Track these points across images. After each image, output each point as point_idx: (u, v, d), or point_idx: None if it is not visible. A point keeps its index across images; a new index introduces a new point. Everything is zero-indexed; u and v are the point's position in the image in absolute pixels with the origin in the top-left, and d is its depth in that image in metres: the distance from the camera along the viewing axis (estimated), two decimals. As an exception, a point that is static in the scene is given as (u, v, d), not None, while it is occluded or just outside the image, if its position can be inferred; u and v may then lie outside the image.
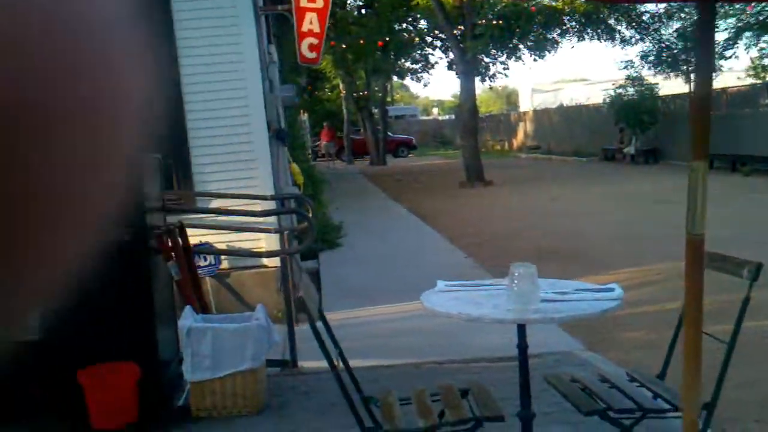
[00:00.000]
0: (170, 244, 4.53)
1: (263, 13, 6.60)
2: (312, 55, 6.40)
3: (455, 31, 20.59)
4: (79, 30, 0.28)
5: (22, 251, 0.28)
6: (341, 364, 3.11)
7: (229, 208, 5.78)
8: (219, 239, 6.39)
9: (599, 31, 24.25)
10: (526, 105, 48.51)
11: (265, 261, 6.62)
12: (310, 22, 6.26)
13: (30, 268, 0.28)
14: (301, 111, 20.69)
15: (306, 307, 2.91)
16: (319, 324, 3.15)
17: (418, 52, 30.00)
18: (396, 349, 5.77)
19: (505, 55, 24.90)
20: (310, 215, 5.68)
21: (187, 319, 4.28)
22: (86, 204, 0.29)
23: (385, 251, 10.60)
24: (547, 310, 3.17)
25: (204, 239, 6.07)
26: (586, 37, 24.05)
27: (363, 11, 24.93)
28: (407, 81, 50.21)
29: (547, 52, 24.10)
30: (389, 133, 36.09)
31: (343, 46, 22.98)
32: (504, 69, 25.92)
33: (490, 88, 36.14)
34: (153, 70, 0.31)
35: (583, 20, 23.00)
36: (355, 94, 32.83)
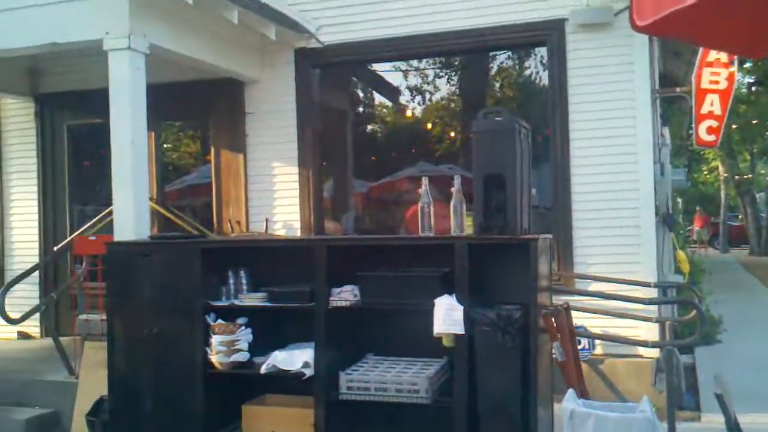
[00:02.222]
0: (555, 324, 4.55)
1: (659, 95, 6.47)
2: (710, 138, 6.12)
3: None
4: None
5: None
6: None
7: (611, 292, 5.64)
8: (593, 323, 6.26)
9: None
10: None
11: (641, 351, 6.31)
12: (711, 104, 6.02)
13: None
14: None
15: (725, 406, 2.70)
16: None
17: (819, 131, 26.78)
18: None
19: None
20: (701, 306, 5.29)
21: (570, 401, 4.21)
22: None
23: (771, 354, 9.43)
24: None
25: (579, 322, 5.99)
26: None
27: (753, 88, 23.05)
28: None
29: None
30: (775, 221, 32.64)
31: (733, 126, 21.45)
32: None
33: None
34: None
35: None
36: (737, 177, 30.38)
